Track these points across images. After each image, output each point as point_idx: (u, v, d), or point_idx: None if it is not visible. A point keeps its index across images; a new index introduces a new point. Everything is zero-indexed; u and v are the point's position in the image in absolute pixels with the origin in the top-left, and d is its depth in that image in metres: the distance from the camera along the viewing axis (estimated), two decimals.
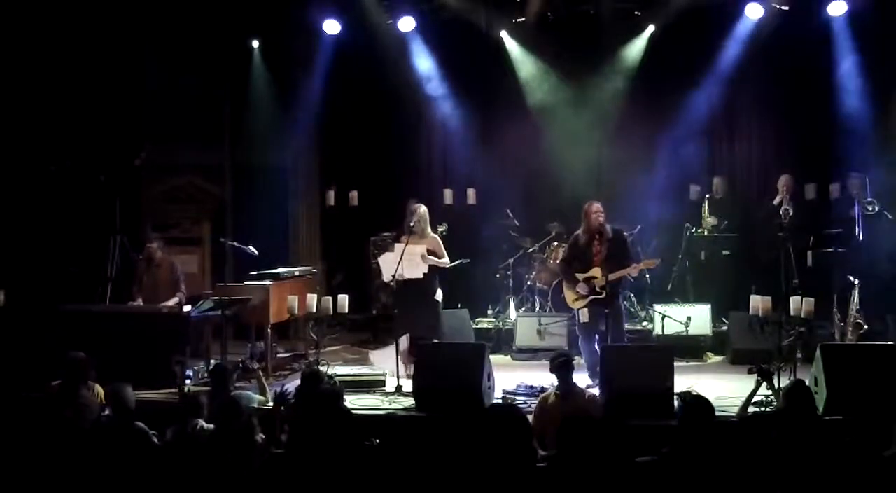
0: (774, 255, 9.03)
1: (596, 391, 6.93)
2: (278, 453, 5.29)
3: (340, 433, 5.15)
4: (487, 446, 4.69)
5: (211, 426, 5.56)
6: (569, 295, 8.28)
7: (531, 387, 7.56)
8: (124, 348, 7.75)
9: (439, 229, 8.88)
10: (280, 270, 9.29)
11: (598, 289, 8.00)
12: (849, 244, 9.06)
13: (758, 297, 7.36)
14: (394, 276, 8.17)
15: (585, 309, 8.08)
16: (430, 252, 8.36)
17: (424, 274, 8.29)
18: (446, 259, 8.50)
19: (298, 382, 6.63)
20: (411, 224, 8.39)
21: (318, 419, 5.30)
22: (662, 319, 9.25)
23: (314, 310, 7.96)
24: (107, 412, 5.95)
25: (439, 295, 8.50)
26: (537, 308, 10.36)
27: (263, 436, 5.37)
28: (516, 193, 11.13)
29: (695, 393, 6.01)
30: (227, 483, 4.83)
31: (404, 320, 8.40)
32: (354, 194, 11.47)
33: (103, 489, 4.95)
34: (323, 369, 7.70)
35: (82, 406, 6.14)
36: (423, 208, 8.55)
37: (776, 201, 9.73)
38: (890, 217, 9.06)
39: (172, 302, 8.70)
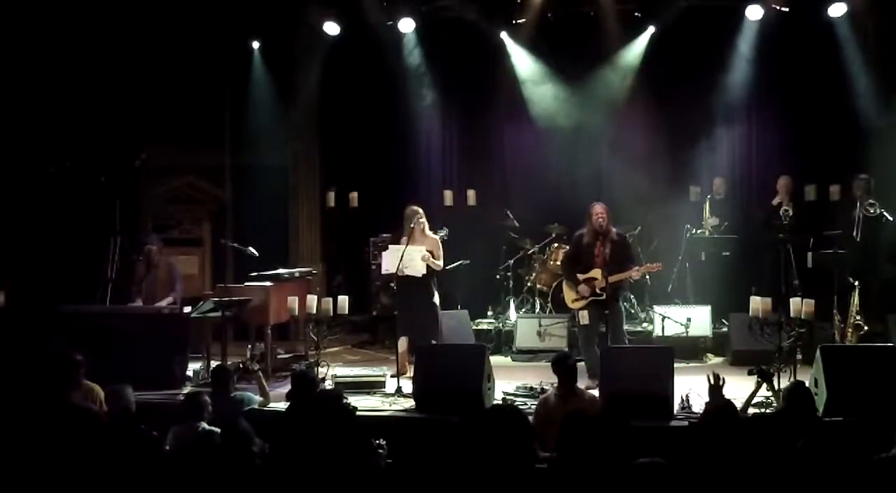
0: (774, 256, 9.04)
1: (596, 393, 6.92)
2: (276, 455, 5.27)
3: (339, 434, 5.16)
4: (488, 447, 4.69)
5: (214, 429, 5.55)
6: (568, 295, 8.30)
7: (531, 388, 7.57)
8: (124, 350, 7.75)
9: (440, 233, 8.90)
10: (280, 271, 9.29)
11: (597, 291, 8.01)
12: (849, 246, 9.05)
13: (758, 298, 7.35)
14: (395, 272, 8.17)
15: (585, 311, 8.09)
16: (428, 252, 8.39)
17: (423, 275, 8.31)
18: (441, 262, 8.53)
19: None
20: (412, 225, 8.41)
21: (317, 420, 5.30)
22: (662, 320, 9.27)
23: (314, 311, 7.96)
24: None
25: (436, 298, 8.51)
26: (537, 309, 10.36)
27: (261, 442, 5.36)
28: (516, 194, 11.14)
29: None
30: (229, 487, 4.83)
31: (403, 321, 8.41)
32: (354, 195, 11.47)
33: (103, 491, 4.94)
34: (323, 370, 7.73)
35: (72, 410, 6.10)
36: (420, 210, 8.57)
37: (776, 202, 9.73)
38: (890, 218, 9.05)
39: (166, 302, 8.70)
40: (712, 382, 6.01)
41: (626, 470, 4.64)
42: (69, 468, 4.95)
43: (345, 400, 6.06)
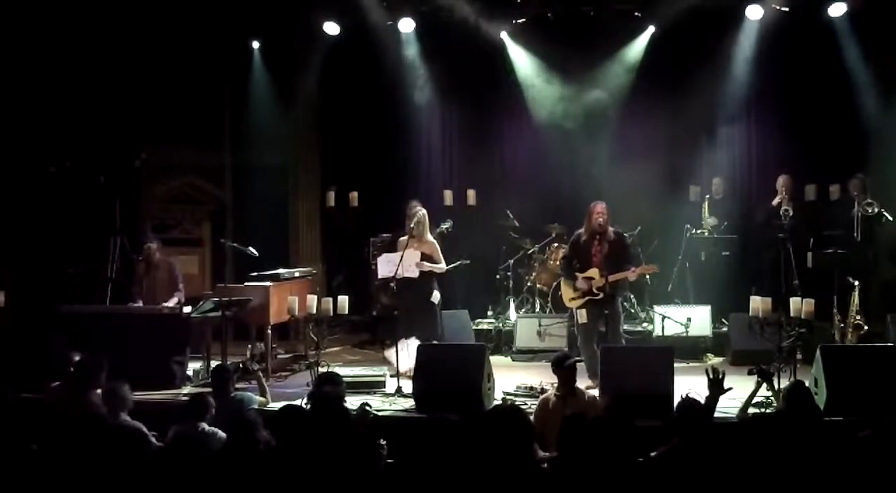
0: (774, 256, 9.04)
1: (596, 392, 6.92)
2: (280, 452, 5.28)
3: (339, 434, 5.17)
4: (488, 447, 4.69)
5: (214, 429, 5.57)
6: (566, 293, 8.31)
7: (531, 388, 7.57)
8: (124, 350, 7.73)
9: (443, 226, 8.92)
10: (280, 270, 9.29)
11: (594, 290, 8.01)
12: (849, 245, 9.05)
13: (758, 298, 7.36)
14: (394, 277, 8.19)
15: (583, 310, 8.10)
16: (427, 256, 8.42)
17: (421, 275, 8.33)
18: (442, 265, 8.55)
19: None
20: (411, 226, 8.42)
21: (318, 419, 5.32)
22: (662, 320, 9.27)
23: (314, 311, 7.97)
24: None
25: (437, 297, 8.52)
26: (537, 309, 10.36)
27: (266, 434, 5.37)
28: (516, 194, 11.13)
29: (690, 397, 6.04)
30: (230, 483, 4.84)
31: (403, 321, 8.43)
32: (354, 195, 11.46)
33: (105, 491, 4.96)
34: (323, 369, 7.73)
35: (90, 410, 6.13)
36: (422, 211, 8.59)
37: (775, 202, 9.72)
38: (890, 218, 9.06)
39: (172, 302, 8.70)
40: (711, 376, 6.00)
41: (628, 470, 4.65)
42: (74, 469, 4.97)
43: (366, 407, 6.07)
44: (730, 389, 6.04)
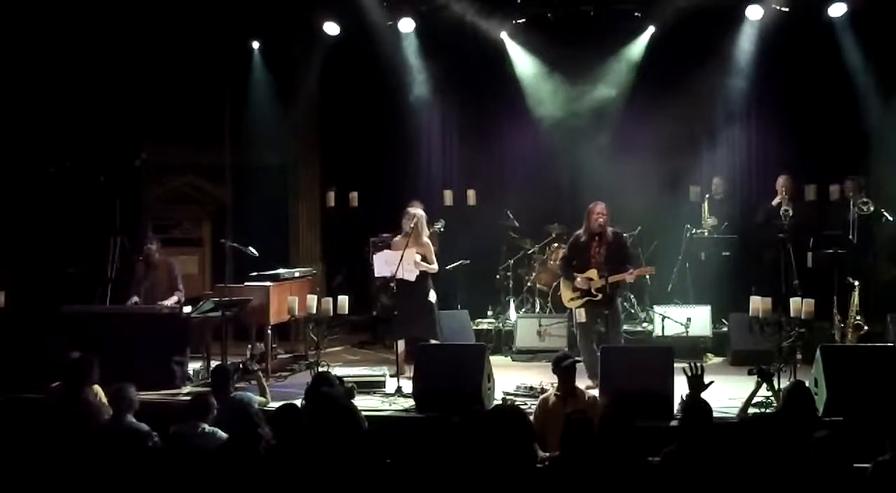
0: (774, 256, 9.04)
1: (596, 392, 6.92)
2: (283, 451, 5.29)
3: (343, 434, 5.17)
4: (488, 447, 4.70)
5: (214, 429, 5.57)
6: (565, 294, 8.32)
7: (531, 388, 7.57)
8: (124, 350, 7.76)
9: (436, 226, 8.91)
10: (280, 271, 9.30)
11: (593, 291, 8.02)
12: (847, 246, 9.06)
13: (758, 298, 7.36)
14: (393, 277, 8.19)
15: (582, 309, 8.10)
16: (421, 257, 8.42)
17: (417, 276, 8.34)
18: (435, 266, 8.54)
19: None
20: (411, 225, 8.41)
21: (322, 418, 5.33)
22: (662, 320, 9.27)
23: (314, 311, 7.98)
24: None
25: (433, 296, 8.52)
26: (537, 309, 10.37)
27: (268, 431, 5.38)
28: (516, 193, 11.13)
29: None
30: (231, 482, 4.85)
31: (401, 321, 8.43)
32: (355, 195, 11.46)
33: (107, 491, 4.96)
34: (330, 370, 7.73)
35: (86, 409, 6.13)
36: (420, 212, 8.58)
37: (775, 202, 9.72)
38: (890, 218, 9.05)
39: (171, 301, 8.70)
40: (690, 373, 6.00)
41: (629, 470, 4.65)
42: (75, 469, 4.97)
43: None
44: (711, 383, 6.04)
